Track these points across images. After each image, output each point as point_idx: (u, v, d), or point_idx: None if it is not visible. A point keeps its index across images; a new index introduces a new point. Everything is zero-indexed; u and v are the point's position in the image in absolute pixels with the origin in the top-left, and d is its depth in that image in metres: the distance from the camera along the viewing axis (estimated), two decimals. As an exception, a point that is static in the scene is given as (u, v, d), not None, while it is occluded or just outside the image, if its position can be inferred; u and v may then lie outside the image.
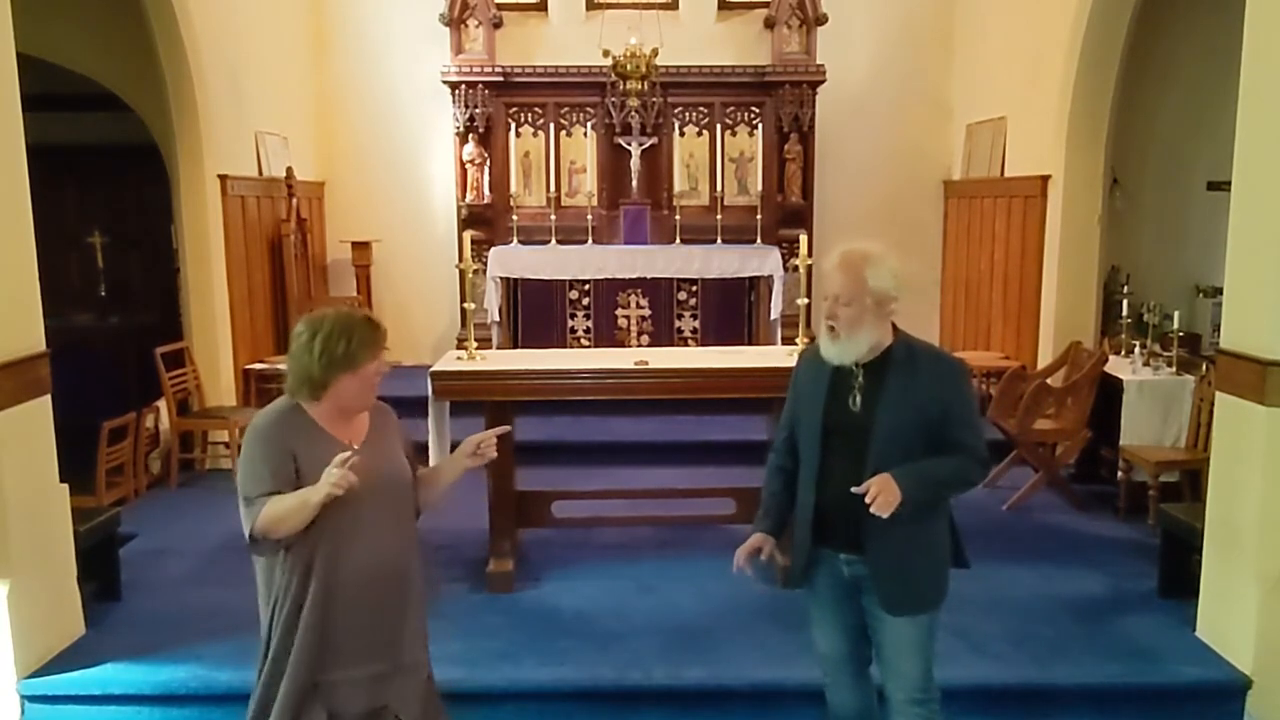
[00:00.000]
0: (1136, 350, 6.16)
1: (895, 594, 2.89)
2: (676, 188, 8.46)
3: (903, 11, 8.99)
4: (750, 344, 7.92)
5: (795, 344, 5.32)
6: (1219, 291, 6.20)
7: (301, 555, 2.63)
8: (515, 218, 8.31)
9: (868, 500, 2.72)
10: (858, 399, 2.86)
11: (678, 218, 8.33)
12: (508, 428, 2.97)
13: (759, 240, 8.31)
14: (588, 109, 8.57)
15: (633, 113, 8.34)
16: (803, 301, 5.59)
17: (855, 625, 3.03)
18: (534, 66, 8.54)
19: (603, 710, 3.86)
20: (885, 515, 2.72)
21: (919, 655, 2.95)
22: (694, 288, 8.26)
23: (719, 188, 8.47)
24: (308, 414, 2.68)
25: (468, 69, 8.38)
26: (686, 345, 8.01)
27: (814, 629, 3.14)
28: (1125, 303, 6.46)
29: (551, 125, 8.48)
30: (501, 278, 8.17)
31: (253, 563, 2.74)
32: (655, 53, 7.91)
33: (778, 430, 3.16)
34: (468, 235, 5.93)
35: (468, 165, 8.50)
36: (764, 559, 3.02)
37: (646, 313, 8.27)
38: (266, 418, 2.69)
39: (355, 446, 2.70)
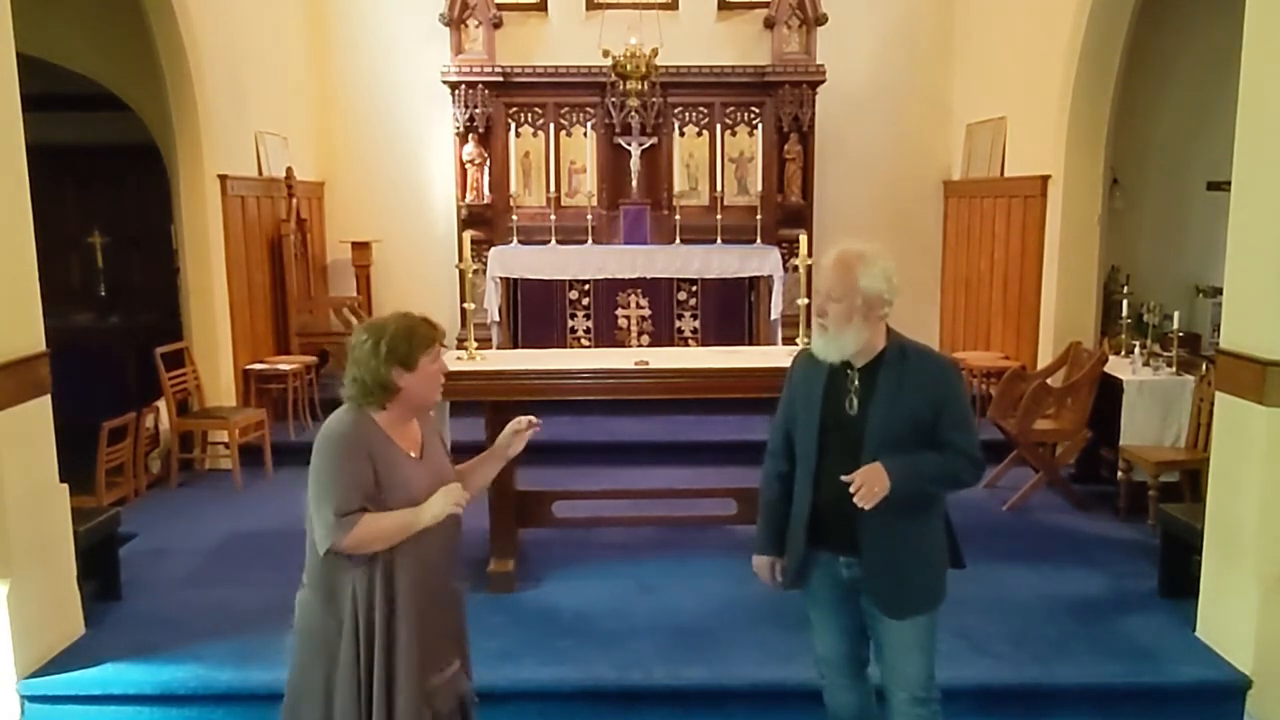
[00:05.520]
0: (1136, 350, 6.16)
1: (892, 597, 2.88)
2: (676, 188, 8.45)
3: (903, 11, 9.00)
4: (750, 344, 7.92)
5: (796, 344, 5.31)
6: (1219, 291, 6.19)
7: (379, 567, 2.64)
8: (515, 218, 8.31)
9: (852, 490, 2.71)
10: (854, 401, 2.86)
11: (678, 218, 8.33)
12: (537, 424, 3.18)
13: (759, 240, 8.31)
14: (588, 109, 8.57)
15: (633, 113, 8.33)
16: (803, 301, 5.57)
17: (854, 627, 3.03)
18: (534, 66, 8.54)
19: (603, 710, 3.86)
20: (868, 506, 2.71)
21: (921, 655, 2.95)
22: (694, 288, 8.26)
23: (719, 188, 8.46)
24: (376, 422, 2.69)
25: (468, 69, 8.38)
26: (687, 345, 8.00)
27: (813, 632, 3.13)
28: (1125, 303, 6.46)
29: (551, 125, 8.48)
30: (501, 278, 8.17)
31: (315, 567, 2.69)
32: (655, 53, 7.91)
33: (772, 432, 3.12)
34: (468, 235, 5.93)
35: (468, 165, 8.50)
36: (778, 575, 3.12)
37: (646, 313, 8.27)
38: (343, 426, 2.66)
39: (415, 455, 2.74)
